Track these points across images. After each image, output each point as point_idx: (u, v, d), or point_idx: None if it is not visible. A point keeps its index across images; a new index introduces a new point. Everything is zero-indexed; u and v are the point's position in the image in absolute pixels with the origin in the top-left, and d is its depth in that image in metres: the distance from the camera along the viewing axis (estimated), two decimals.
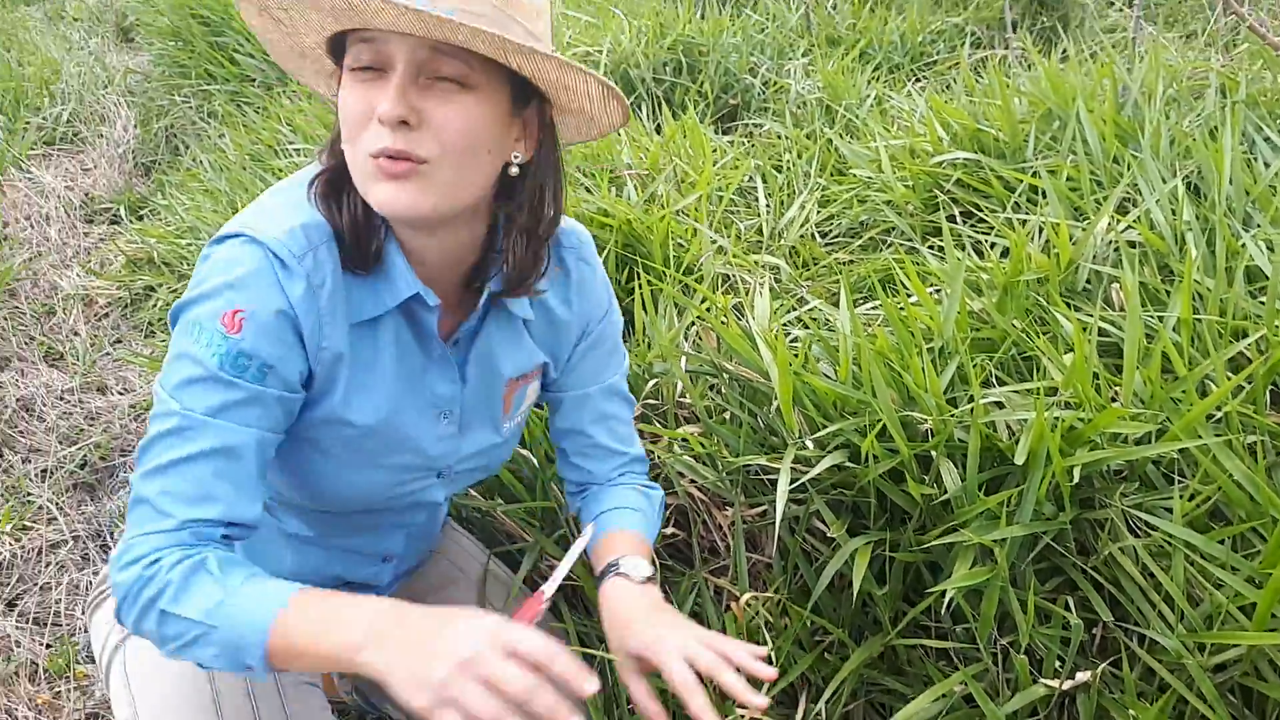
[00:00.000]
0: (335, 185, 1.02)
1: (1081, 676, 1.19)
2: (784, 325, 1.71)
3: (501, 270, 1.09)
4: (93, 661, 1.89)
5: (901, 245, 2.10)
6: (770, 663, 1.01)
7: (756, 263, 2.07)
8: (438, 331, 1.10)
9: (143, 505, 0.95)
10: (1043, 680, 1.21)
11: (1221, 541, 1.19)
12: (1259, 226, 1.70)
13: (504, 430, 1.24)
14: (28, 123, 4.53)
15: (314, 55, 1.08)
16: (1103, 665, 1.21)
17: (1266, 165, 1.94)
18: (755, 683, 0.98)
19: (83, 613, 2.00)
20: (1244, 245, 1.60)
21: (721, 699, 1.11)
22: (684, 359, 1.65)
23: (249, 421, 0.97)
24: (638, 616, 1.09)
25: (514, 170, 1.04)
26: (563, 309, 1.21)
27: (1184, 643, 1.16)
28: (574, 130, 1.14)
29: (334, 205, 1.01)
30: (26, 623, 1.99)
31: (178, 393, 0.96)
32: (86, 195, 4.05)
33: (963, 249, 1.90)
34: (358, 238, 1.01)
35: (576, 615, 1.53)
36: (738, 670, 0.97)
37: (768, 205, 2.37)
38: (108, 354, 2.99)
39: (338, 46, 1.02)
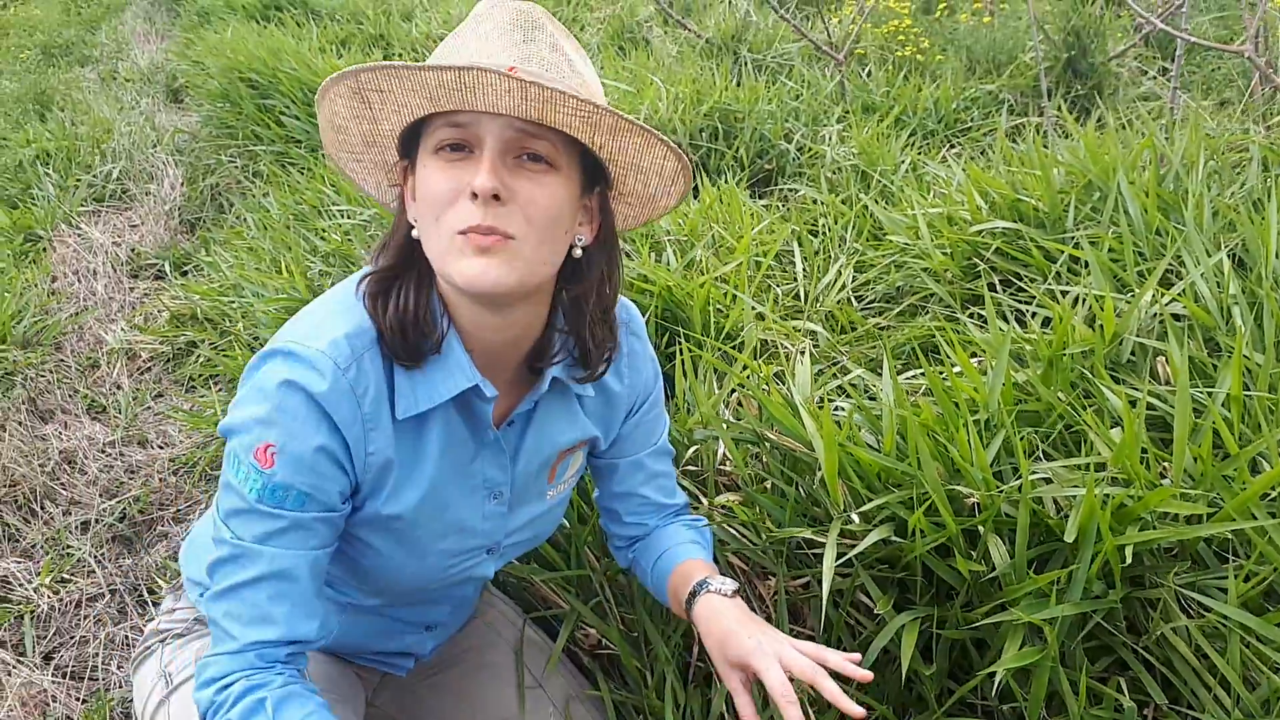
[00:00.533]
0: (386, 282, 1.03)
1: None
2: (826, 394, 1.71)
3: (564, 353, 1.11)
4: (128, 718, 1.88)
5: (940, 312, 2.09)
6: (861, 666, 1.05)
7: (795, 329, 2.08)
8: (491, 416, 1.11)
9: (214, 626, 1.01)
10: None
11: (1279, 624, 1.16)
12: None
13: (549, 499, 1.24)
14: (79, 180, 4.65)
15: (382, 144, 1.09)
16: None
17: None
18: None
19: (118, 668, 2.00)
20: None
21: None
22: (725, 426, 1.64)
23: (296, 545, 1.00)
24: (736, 628, 1.12)
25: (577, 252, 1.05)
26: (615, 382, 1.23)
27: None
28: (621, 219, 1.15)
29: (382, 302, 1.02)
30: (62, 677, 1.99)
31: (228, 521, 1.00)
32: (133, 251, 4.13)
33: (1005, 319, 1.89)
34: (406, 332, 1.01)
35: (613, 684, 1.51)
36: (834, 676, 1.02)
37: (804, 270, 2.38)
38: (149, 408, 3.03)
39: (410, 135, 1.03)
